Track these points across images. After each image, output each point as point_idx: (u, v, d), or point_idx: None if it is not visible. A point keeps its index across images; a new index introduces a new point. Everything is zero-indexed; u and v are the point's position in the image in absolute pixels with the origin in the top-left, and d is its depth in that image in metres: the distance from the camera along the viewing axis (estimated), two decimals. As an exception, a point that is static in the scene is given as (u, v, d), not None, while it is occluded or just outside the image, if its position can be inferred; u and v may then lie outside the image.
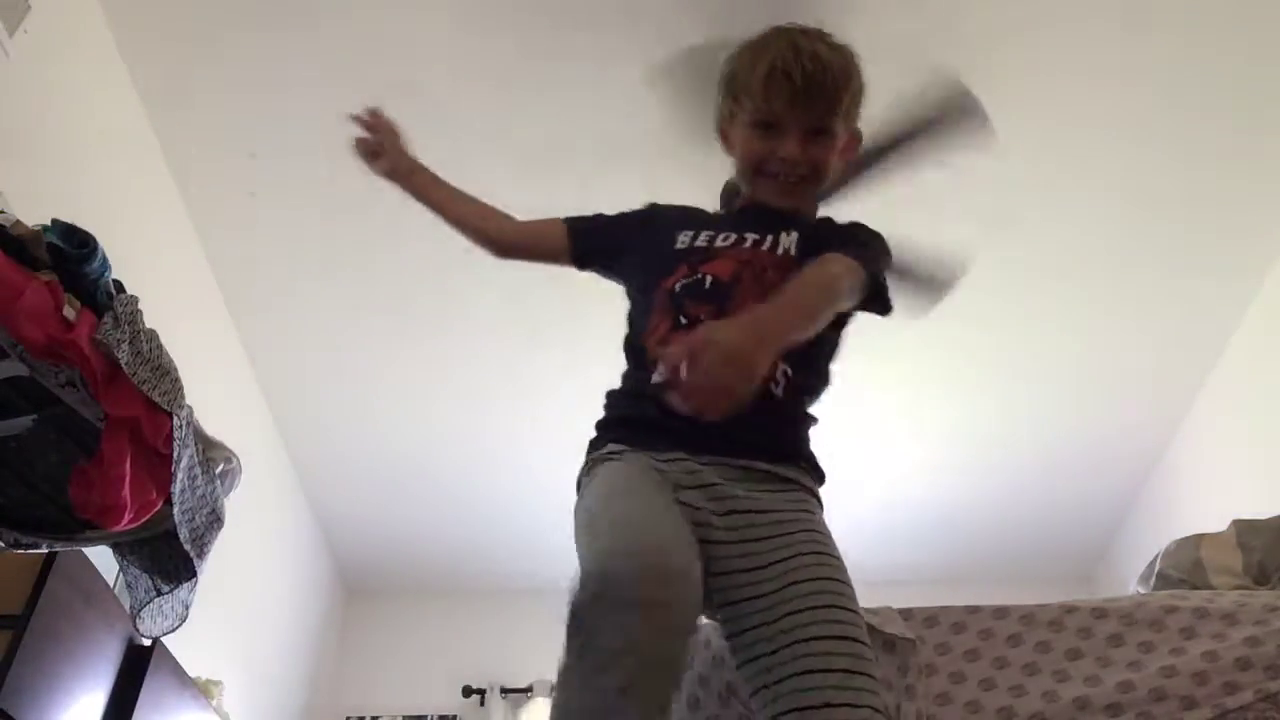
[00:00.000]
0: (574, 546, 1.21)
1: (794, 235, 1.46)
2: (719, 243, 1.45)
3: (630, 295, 1.53)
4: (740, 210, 1.57)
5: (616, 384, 1.47)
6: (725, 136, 1.57)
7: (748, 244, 1.44)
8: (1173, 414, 3.92)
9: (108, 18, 2.63)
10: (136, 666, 2.00)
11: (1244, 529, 2.17)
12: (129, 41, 2.69)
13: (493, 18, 2.64)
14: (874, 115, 2.53)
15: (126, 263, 2.02)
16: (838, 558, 1.25)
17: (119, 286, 1.80)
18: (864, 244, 1.48)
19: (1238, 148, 2.97)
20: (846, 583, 1.22)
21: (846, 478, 4.19)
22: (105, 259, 1.74)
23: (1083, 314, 3.52)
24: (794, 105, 1.43)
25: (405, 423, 3.99)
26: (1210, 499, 3.69)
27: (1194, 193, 3.10)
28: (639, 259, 1.52)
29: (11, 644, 1.60)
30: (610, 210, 1.66)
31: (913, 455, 4.15)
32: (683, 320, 1.35)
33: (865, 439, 4.01)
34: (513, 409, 3.90)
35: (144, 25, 2.65)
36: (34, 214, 1.82)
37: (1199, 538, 2.22)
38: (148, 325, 1.79)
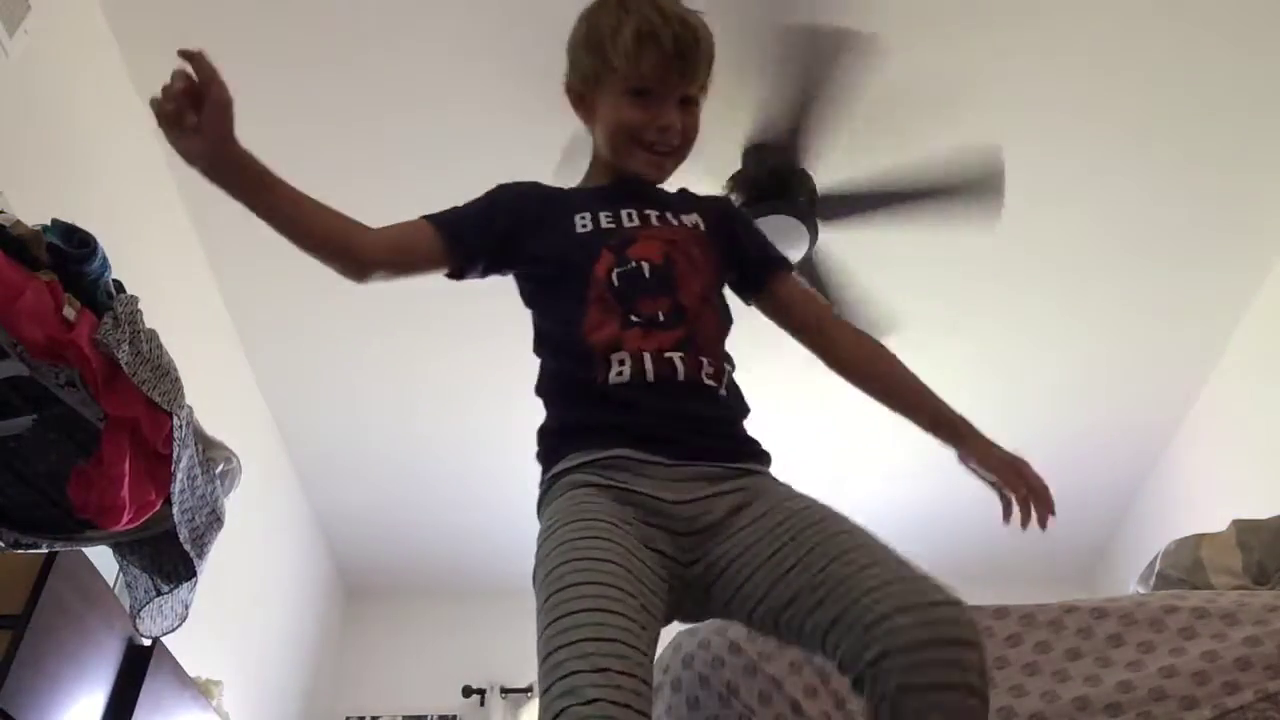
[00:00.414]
0: (535, 597, 1.16)
1: (694, 216, 1.43)
2: (626, 222, 1.38)
3: (534, 287, 1.42)
4: (613, 184, 1.45)
5: (541, 384, 1.38)
6: (582, 100, 1.44)
7: (655, 222, 1.39)
8: (1173, 414, 3.93)
9: (108, 18, 2.64)
10: (136, 666, 2.00)
11: (1244, 529, 2.17)
12: (129, 41, 2.69)
13: (496, 7, 2.65)
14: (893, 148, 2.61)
15: (126, 263, 2.02)
16: (813, 499, 1.24)
17: (119, 286, 1.80)
18: (770, 243, 1.53)
19: (1239, 148, 2.97)
20: (834, 510, 1.22)
21: (845, 477, 4.20)
22: (105, 259, 1.74)
23: (1083, 314, 3.52)
24: (669, 71, 1.35)
25: (405, 423, 3.99)
26: (1210, 499, 3.69)
27: (1195, 193, 3.10)
28: (538, 248, 1.39)
29: (11, 644, 1.60)
30: None
31: (912, 454, 4.14)
32: (634, 319, 1.29)
33: (864, 439, 4.01)
34: (513, 409, 3.89)
35: (144, 25, 2.66)
36: (34, 214, 1.82)
37: (1199, 538, 2.22)
38: (148, 325, 1.79)
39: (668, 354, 1.27)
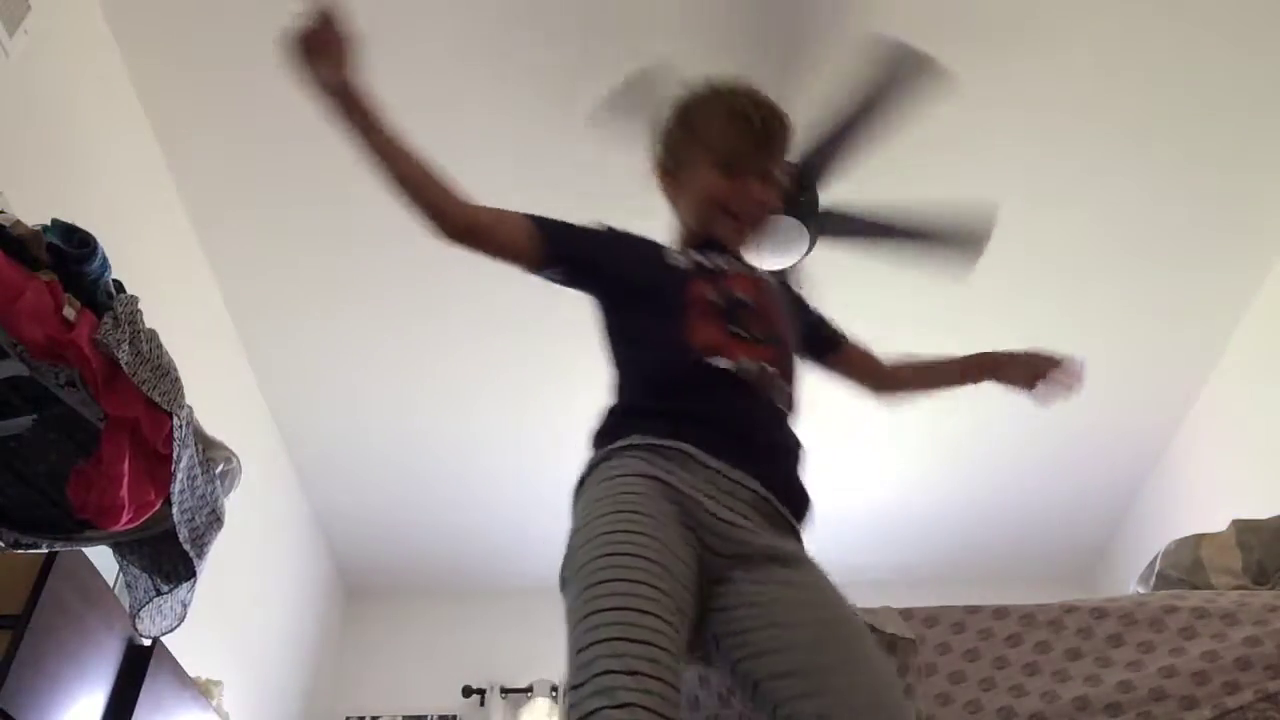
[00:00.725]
0: (566, 564, 1.20)
1: (769, 279, 1.57)
2: (716, 263, 1.49)
3: (620, 303, 1.51)
4: (702, 245, 1.55)
5: (623, 377, 1.45)
6: (670, 176, 1.59)
7: (741, 270, 1.51)
8: (1173, 414, 3.93)
9: (107, 18, 2.64)
10: (136, 666, 2.00)
11: (1244, 529, 2.17)
12: (128, 41, 2.69)
13: (497, 25, 2.65)
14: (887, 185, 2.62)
15: (126, 263, 2.02)
16: (842, 596, 1.25)
17: (119, 286, 1.80)
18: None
19: (1238, 148, 2.97)
20: (856, 616, 1.23)
21: (847, 479, 4.20)
22: (105, 259, 1.74)
23: (1083, 314, 3.52)
24: (757, 149, 1.51)
25: (406, 423, 3.99)
26: (1210, 499, 3.69)
27: (1195, 194, 3.10)
28: (630, 271, 1.49)
29: (11, 644, 1.60)
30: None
31: (913, 456, 4.15)
32: (734, 329, 1.38)
33: (865, 440, 4.01)
34: (514, 410, 3.90)
35: (143, 24, 2.66)
36: (34, 214, 1.82)
37: (1199, 538, 2.22)
38: (148, 325, 1.79)
39: (762, 364, 1.36)
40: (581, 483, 1.31)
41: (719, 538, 1.22)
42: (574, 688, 1.06)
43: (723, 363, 1.34)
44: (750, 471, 1.28)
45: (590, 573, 1.13)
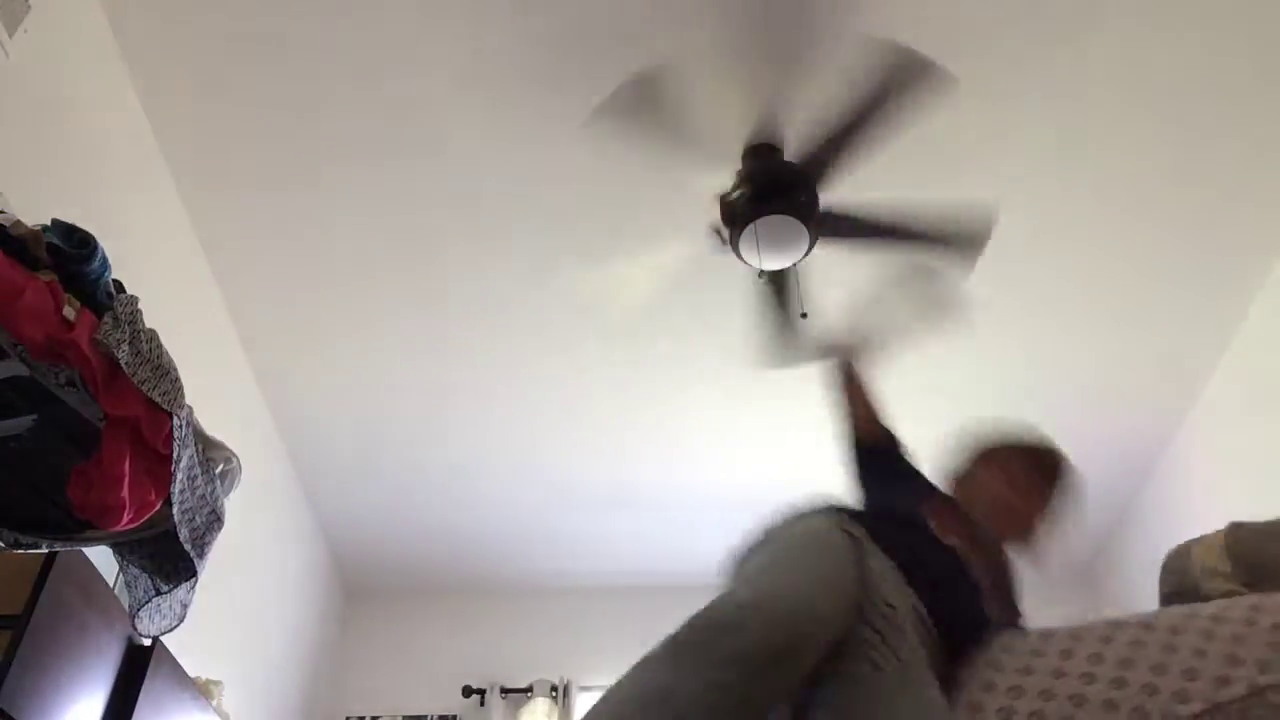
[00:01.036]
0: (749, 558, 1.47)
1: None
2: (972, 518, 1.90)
3: (894, 486, 1.97)
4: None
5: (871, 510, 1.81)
6: (964, 481, 2.00)
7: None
8: (1173, 414, 3.93)
9: (108, 18, 2.64)
10: (136, 666, 2.01)
11: (1235, 532, 2.17)
12: (129, 41, 2.69)
13: (493, 24, 2.65)
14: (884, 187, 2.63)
15: (126, 263, 2.03)
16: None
17: (119, 286, 1.81)
18: None
19: (1239, 153, 2.97)
20: None
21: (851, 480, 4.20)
22: (105, 259, 1.74)
23: (1083, 316, 3.52)
24: (1042, 482, 1.98)
25: (405, 423, 3.99)
26: (1210, 499, 3.70)
27: (1196, 193, 3.10)
28: (911, 482, 1.99)
29: (11, 644, 1.60)
30: None
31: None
32: (963, 530, 1.76)
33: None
34: (514, 410, 3.90)
35: (144, 26, 2.66)
36: (34, 214, 1.82)
37: (1191, 542, 2.23)
38: (148, 325, 1.79)
39: (976, 560, 1.68)
40: (797, 516, 1.59)
41: (876, 612, 1.37)
42: (756, 593, 1.26)
43: (938, 532, 1.66)
44: (923, 602, 1.47)
45: (783, 555, 1.40)
